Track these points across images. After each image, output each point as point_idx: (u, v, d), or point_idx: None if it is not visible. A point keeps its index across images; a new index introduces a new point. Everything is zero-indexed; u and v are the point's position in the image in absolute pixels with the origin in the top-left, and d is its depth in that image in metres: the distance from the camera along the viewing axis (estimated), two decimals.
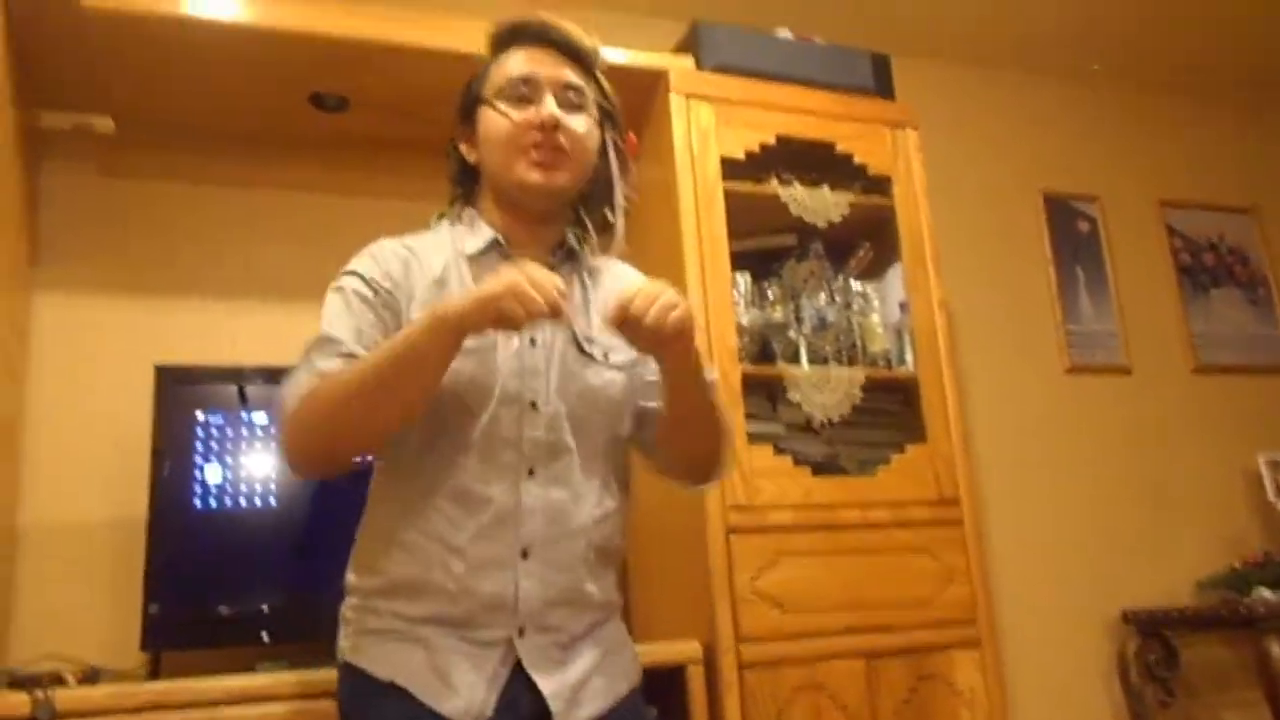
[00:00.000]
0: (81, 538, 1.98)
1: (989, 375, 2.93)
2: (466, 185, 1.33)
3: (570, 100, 1.24)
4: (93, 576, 1.96)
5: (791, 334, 2.20)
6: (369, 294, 1.20)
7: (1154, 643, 2.79)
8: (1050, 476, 2.95)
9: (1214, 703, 2.93)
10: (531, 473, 1.17)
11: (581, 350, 1.23)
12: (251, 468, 1.86)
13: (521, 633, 1.15)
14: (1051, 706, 2.73)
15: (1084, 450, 3.02)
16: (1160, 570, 2.98)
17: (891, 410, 2.27)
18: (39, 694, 1.49)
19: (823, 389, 2.11)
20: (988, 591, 2.18)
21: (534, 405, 1.18)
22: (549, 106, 1.22)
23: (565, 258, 1.29)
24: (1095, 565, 2.92)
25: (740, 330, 2.11)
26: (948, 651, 2.08)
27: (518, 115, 1.22)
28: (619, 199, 1.31)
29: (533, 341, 1.20)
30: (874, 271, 2.38)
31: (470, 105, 1.29)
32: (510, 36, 1.29)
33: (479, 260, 1.24)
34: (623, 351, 1.23)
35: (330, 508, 1.88)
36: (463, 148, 1.32)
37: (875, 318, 2.30)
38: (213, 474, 1.84)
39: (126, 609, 1.84)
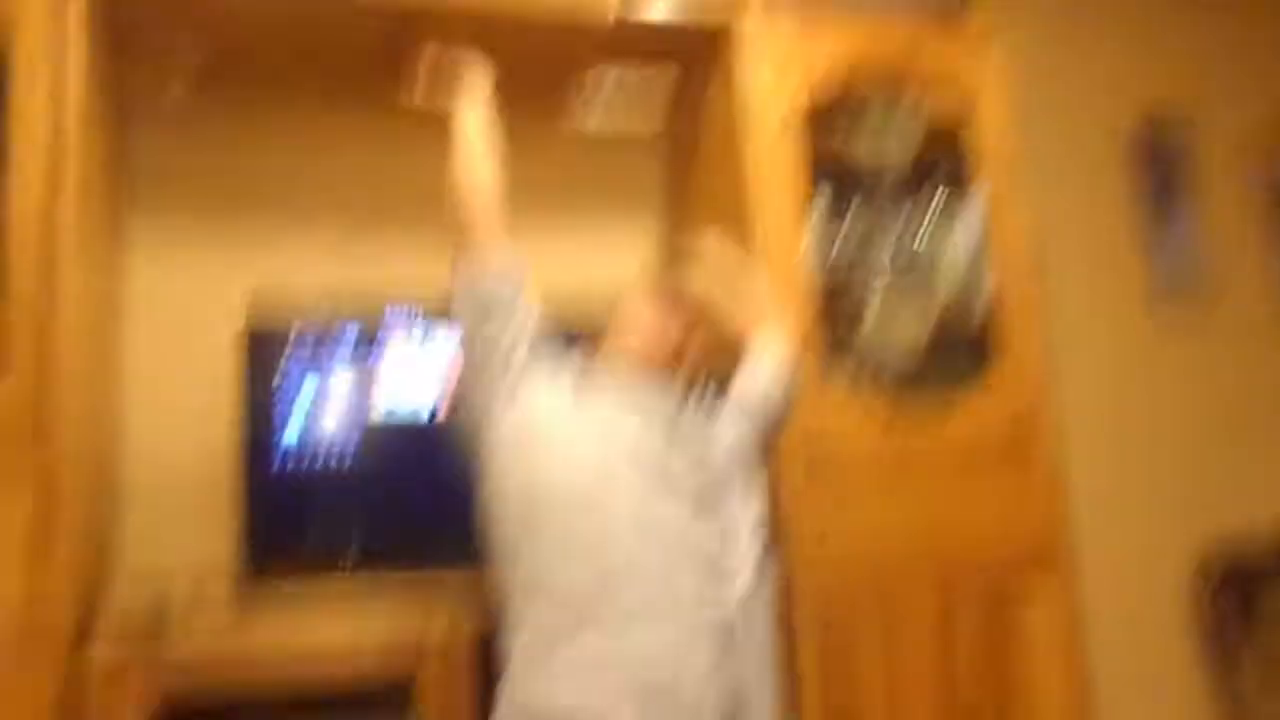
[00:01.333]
0: (177, 473, 2.07)
1: (1071, 302, 2.84)
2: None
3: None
4: (187, 513, 2.05)
5: (869, 262, 2.17)
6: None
7: (1236, 579, 2.74)
8: (1132, 406, 2.88)
9: None
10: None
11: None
12: (335, 427, 1.94)
13: None
14: (1127, 638, 2.71)
15: (1168, 379, 2.93)
16: (1245, 503, 2.91)
17: (971, 338, 2.23)
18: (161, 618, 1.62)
19: (901, 315, 2.09)
20: (1066, 521, 2.16)
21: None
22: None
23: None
24: (1177, 497, 2.86)
25: (812, 261, 2.08)
26: (1023, 582, 2.07)
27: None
28: None
29: None
30: (954, 198, 2.31)
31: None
32: None
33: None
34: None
35: (413, 470, 1.96)
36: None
37: (955, 243, 2.25)
38: (294, 435, 1.92)
39: (223, 542, 1.94)
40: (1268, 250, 3.15)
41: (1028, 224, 2.23)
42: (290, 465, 1.91)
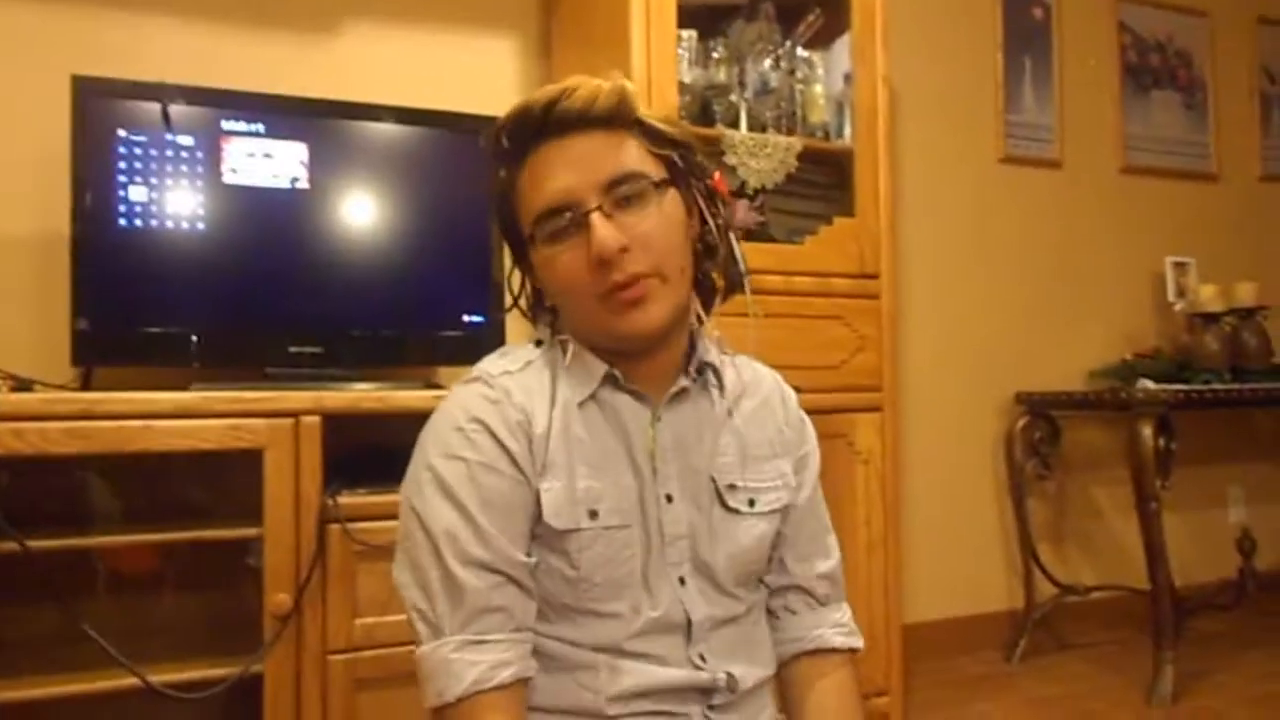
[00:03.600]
0: (3, 254, 1.96)
1: (924, 156, 2.96)
2: (551, 315, 1.03)
3: (623, 195, 0.93)
4: (19, 294, 1.96)
5: (733, 97, 2.18)
6: (503, 487, 0.92)
7: (1040, 422, 3.01)
8: (970, 260, 3.06)
9: (1086, 479, 3.21)
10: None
11: (725, 505, 1.02)
12: (178, 190, 1.83)
13: None
14: (942, 471, 2.96)
15: (1006, 238, 3.12)
16: (1060, 358, 3.17)
17: (824, 183, 2.30)
18: None
19: (759, 155, 2.12)
20: (895, 362, 2.30)
21: (682, 581, 0.99)
22: (599, 234, 0.90)
23: (694, 379, 1.03)
24: (999, 348, 3.09)
25: (682, 89, 2.09)
26: (851, 415, 2.22)
27: (569, 258, 0.93)
28: (739, 265, 1.05)
29: (669, 498, 0.99)
30: (822, 40, 2.35)
31: (516, 239, 1.00)
32: (519, 141, 0.96)
33: (587, 407, 0.97)
34: (775, 492, 1.05)
35: (262, 237, 1.88)
36: (530, 284, 1.05)
37: (818, 88, 2.29)
38: (137, 194, 1.80)
39: (55, 327, 1.86)
40: (1117, 118, 3.34)
41: (886, 77, 2.28)
42: (131, 239, 1.81)
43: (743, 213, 2.08)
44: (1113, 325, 3.28)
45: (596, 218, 0.91)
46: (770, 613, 1.09)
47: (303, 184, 1.90)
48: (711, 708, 0.97)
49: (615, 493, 0.95)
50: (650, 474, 0.97)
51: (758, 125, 2.20)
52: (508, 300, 1.08)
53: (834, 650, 1.08)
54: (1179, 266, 3.27)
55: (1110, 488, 3.21)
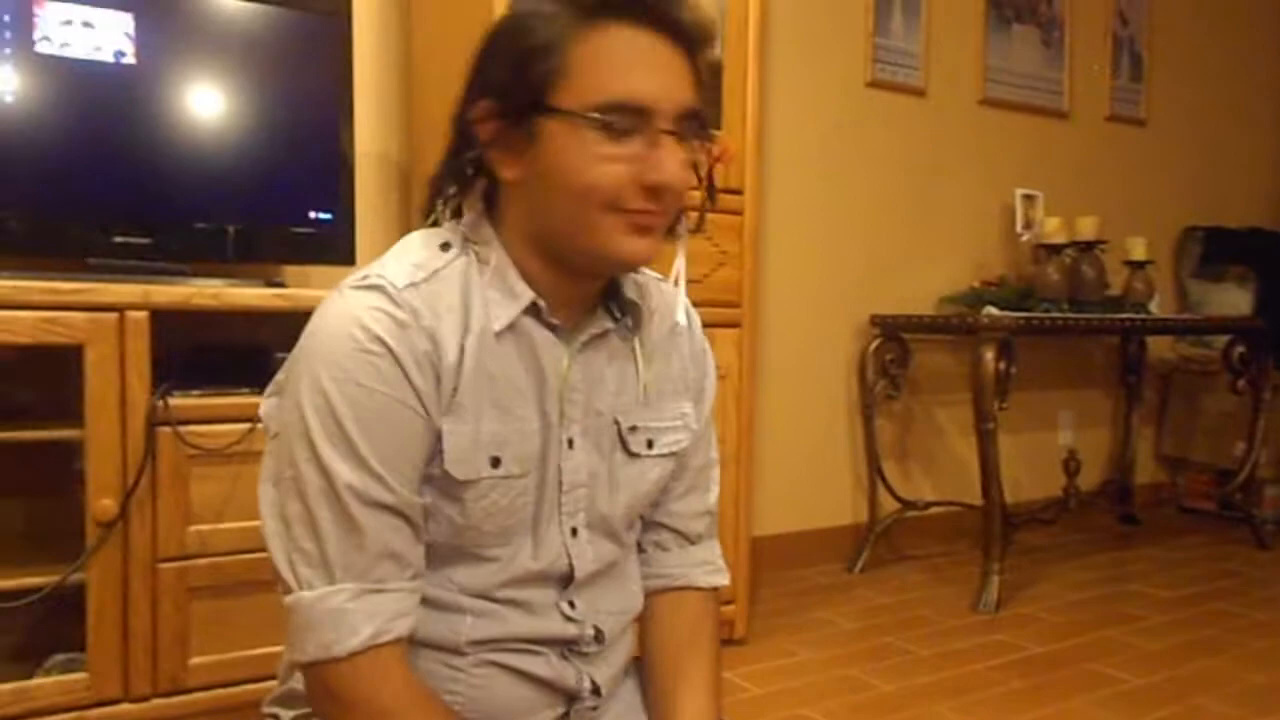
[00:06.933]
0: None
1: (791, 74, 2.95)
2: (487, 202, 0.90)
3: (688, 131, 0.83)
4: None
5: None
6: (404, 424, 0.82)
7: (892, 344, 3.10)
8: (833, 182, 3.10)
9: (931, 400, 3.35)
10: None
11: (627, 449, 0.96)
12: None
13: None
14: (796, 389, 3.03)
15: (869, 162, 3.17)
16: (913, 284, 3.26)
17: None
18: None
19: None
20: (755, 279, 2.32)
21: (575, 531, 0.93)
22: (670, 165, 0.81)
23: (617, 319, 0.94)
24: (857, 272, 3.15)
25: None
26: (710, 330, 2.21)
27: (616, 162, 0.80)
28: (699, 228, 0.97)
29: (570, 444, 0.92)
30: None
31: (525, 102, 0.82)
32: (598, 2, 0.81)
33: (503, 338, 0.87)
34: (675, 433, 0.99)
35: (81, 115, 1.72)
36: (493, 155, 0.85)
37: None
38: None
39: None
40: (980, 49, 3.40)
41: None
42: None
43: None
44: (965, 253, 3.40)
45: (672, 143, 0.81)
46: (639, 546, 1.04)
47: (129, 59, 1.74)
48: (572, 651, 0.94)
49: (520, 438, 0.87)
50: (557, 417, 0.90)
51: None
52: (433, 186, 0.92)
53: (698, 589, 1.05)
54: (1028, 199, 3.40)
55: (952, 409, 3.37)
